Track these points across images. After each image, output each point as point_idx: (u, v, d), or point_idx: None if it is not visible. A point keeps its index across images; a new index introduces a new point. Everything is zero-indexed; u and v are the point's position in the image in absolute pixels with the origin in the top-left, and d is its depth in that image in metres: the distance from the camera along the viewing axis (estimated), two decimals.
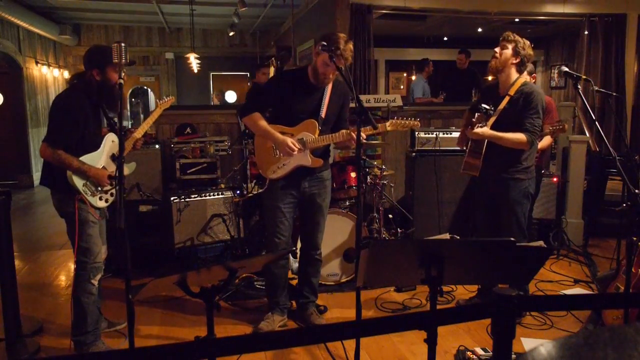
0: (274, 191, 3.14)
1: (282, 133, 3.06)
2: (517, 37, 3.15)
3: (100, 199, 2.86)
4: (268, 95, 3.16)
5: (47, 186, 2.90)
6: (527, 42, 3.16)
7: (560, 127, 3.68)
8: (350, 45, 2.91)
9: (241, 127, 3.28)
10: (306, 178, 3.15)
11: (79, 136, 2.79)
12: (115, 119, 2.95)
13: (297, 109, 3.07)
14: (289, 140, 3.00)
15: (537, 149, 3.47)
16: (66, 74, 10.47)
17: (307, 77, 3.06)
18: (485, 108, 3.08)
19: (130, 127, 3.19)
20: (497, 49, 3.19)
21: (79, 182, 2.77)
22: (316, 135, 3.07)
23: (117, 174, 2.27)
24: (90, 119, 2.84)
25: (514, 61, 3.15)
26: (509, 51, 3.14)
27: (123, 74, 2.31)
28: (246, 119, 3.12)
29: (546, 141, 3.88)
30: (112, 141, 2.95)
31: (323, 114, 3.09)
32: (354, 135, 2.97)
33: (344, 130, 3.07)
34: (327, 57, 2.84)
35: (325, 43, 2.84)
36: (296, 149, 3.01)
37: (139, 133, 3.08)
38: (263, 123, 3.08)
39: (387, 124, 3.10)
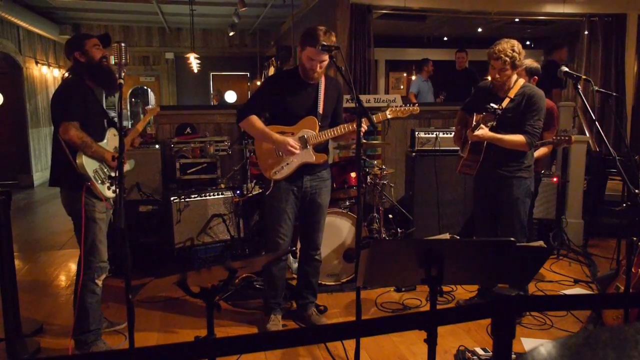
0: (276, 192, 3.12)
1: (282, 133, 3.06)
2: (509, 51, 3.06)
3: (109, 188, 2.85)
4: (263, 97, 3.15)
5: (56, 185, 2.90)
6: (517, 45, 3.10)
7: (567, 138, 3.51)
8: (332, 38, 2.90)
9: (241, 128, 3.28)
10: (308, 177, 3.15)
11: (87, 114, 2.80)
12: (115, 118, 2.95)
13: (295, 107, 3.07)
14: (289, 140, 3.00)
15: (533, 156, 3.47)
16: (66, 75, 10.49)
17: (299, 75, 3.07)
18: (492, 107, 3.05)
19: (130, 126, 3.19)
20: (497, 74, 3.12)
21: (90, 168, 2.77)
22: (317, 131, 3.07)
23: (117, 174, 2.27)
24: (92, 102, 2.86)
25: (515, 72, 3.17)
26: (509, 71, 3.12)
27: (123, 73, 2.31)
28: (243, 123, 3.11)
29: (542, 151, 3.70)
30: (114, 135, 2.98)
31: (321, 109, 3.09)
32: (353, 129, 2.99)
33: (342, 126, 3.08)
34: (311, 51, 2.91)
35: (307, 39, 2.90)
36: (298, 148, 3.01)
37: (134, 133, 3.12)
38: (260, 125, 3.07)
39: (387, 111, 3.09)
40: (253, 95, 3.26)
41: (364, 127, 2.94)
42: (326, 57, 2.95)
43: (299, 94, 3.08)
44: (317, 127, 3.08)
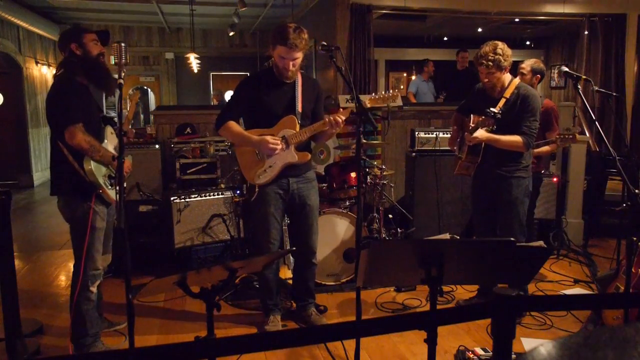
0: (263, 196, 3.08)
1: (262, 135, 3.01)
2: (490, 55, 3.06)
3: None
4: (240, 100, 3.09)
5: (59, 194, 2.79)
6: (501, 46, 3.09)
7: (571, 136, 3.49)
8: (303, 35, 2.87)
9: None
10: (294, 179, 3.11)
11: (87, 114, 2.71)
12: (115, 118, 2.93)
13: (272, 107, 3.03)
14: (268, 137, 2.96)
15: (534, 154, 3.47)
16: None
17: (274, 75, 3.04)
18: (492, 111, 3.04)
19: (130, 126, 3.15)
20: (485, 78, 3.14)
21: (99, 175, 2.70)
22: (297, 130, 3.03)
23: (117, 174, 2.27)
24: (88, 101, 2.77)
25: (504, 73, 3.16)
26: (496, 74, 3.12)
27: (123, 73, 2.29)
28: (221, 130, 3.06)
29: (545, 148, 3.73)
30: (111, 133, 2.92)
31: (299, 108, 3.06)
32: (332, 120, 2.94)
33: (321, 121, 3.03)
34: (281, 50, 2.89)
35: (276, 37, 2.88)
36: (279, 145, 2.97)
37: (126, 123, 3.04)
38: (238, 129, 3.04)
39: (367, 100, 3.00)
40: (229, 100, 3.18)
41: (342, 118, 2.94)
42: (299, 55, 2.92)
43: (276, 93, 3.04)
44: (297, 126, 3.03)
